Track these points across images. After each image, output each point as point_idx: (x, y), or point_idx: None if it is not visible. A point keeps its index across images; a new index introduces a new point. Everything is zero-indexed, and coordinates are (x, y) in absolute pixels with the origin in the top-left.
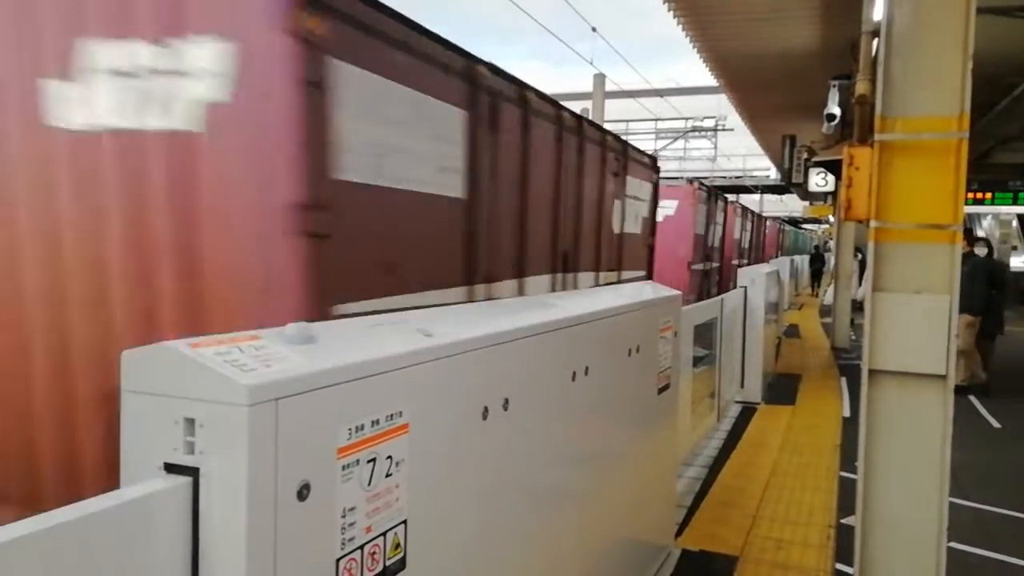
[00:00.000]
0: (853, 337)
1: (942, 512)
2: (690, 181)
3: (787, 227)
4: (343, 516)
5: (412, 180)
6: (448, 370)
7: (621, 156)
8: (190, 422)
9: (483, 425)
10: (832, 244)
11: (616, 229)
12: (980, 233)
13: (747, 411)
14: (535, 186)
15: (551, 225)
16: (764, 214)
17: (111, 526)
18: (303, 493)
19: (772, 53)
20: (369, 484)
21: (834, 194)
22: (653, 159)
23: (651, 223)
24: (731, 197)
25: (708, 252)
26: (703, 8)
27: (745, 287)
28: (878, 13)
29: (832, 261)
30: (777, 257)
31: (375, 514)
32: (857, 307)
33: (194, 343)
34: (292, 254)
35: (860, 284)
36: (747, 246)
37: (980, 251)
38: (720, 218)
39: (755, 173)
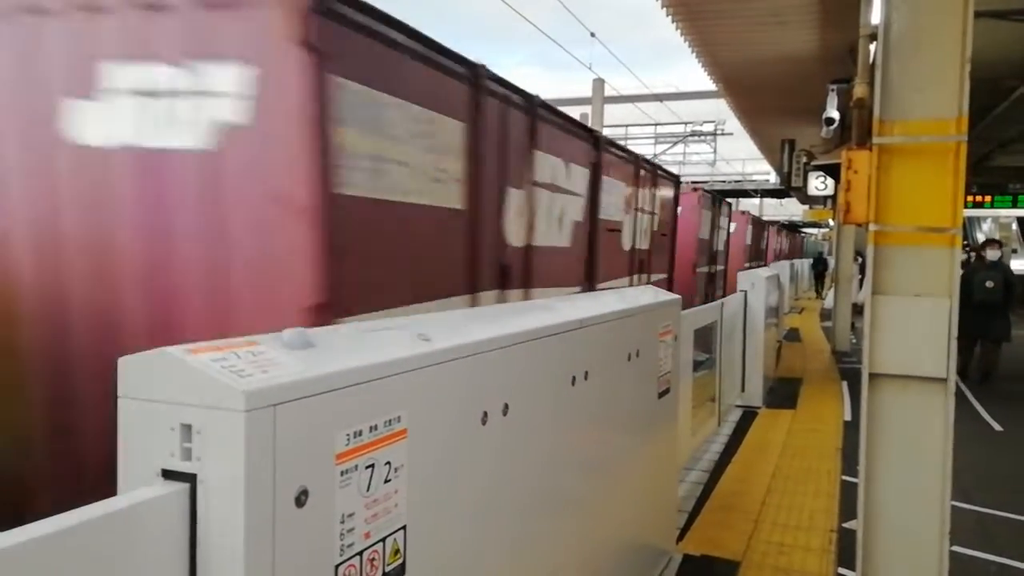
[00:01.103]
0: (854, 340)
1: (944, 515)
2: (694, 189)
3: (806, 237)
4: (342, 522)
5: None
6: (447, 375)
7: None
8: (187, 428)
9: (482, 430)
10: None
11: None
12: (980, 237)
13: (748, 415)
14: None
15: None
16: (765, 218)
17: (108, 533)
18: (301, 499)
19: (771, 58)
20: (368, 490)
21: (833, 198)
22: None
23: None
24: (735, 203)
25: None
26: (702, 13)
27: (745, 291)
28: (876, 17)
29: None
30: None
31: (374, 520)
32: (857, 311)
33: (191, 349)
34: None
35: (860, 288)
36: (786, 250)
37: (993, 254)
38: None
39: (755, 177)
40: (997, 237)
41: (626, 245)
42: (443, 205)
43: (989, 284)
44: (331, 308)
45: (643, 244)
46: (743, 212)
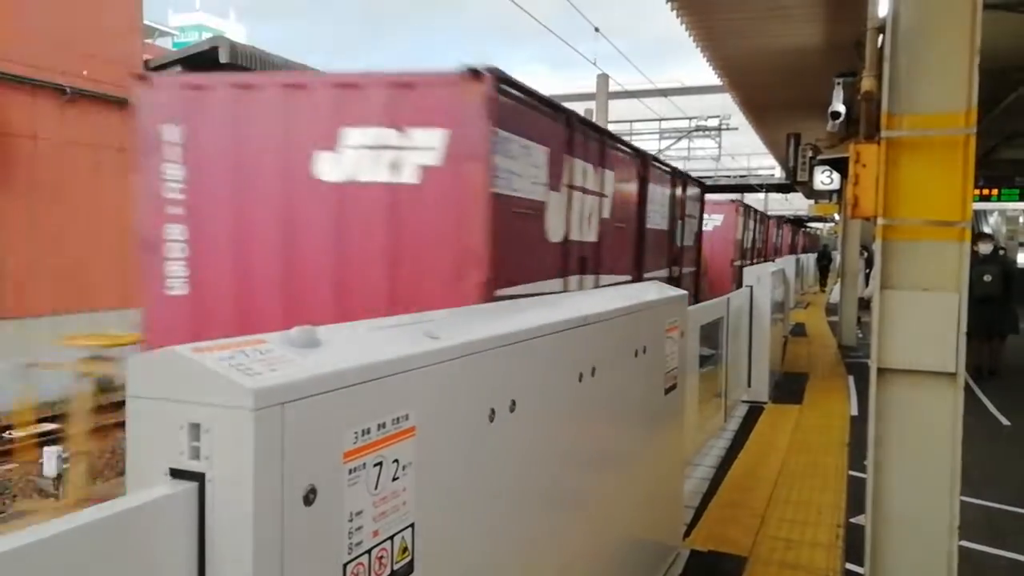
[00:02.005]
0: (860, 335)
1: (953, 510)
2: (732, 200)
3: (818, 232)
4: (350, 520)
5: None
6: (454, 372)
7: None
8: (195, 427)
9: (490, 427)
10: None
11: None
12: (987, 231)
13: (754, 411)
14: None
15: None
16: (772, 213)
17: (117, 532)
18: (309, 497)
19: (776, 51)
20: (376, 488)
21: (839, 192)
22: None
23: None
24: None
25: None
26: (706, 7)
27: (751, 286)
28: (883, 9)
29: (838, 259)
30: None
31: (382, 518)
32: (864, 305)
33: (199, 348)
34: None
35: (867, 282)
36: (807, 245)
37: (985, 248)
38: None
39: (760, 172)
40: (987, 231)
41: (759, 245)
42: None
43: (987, 278)
44: None
45: (760, 245)
46: (787, 221)
